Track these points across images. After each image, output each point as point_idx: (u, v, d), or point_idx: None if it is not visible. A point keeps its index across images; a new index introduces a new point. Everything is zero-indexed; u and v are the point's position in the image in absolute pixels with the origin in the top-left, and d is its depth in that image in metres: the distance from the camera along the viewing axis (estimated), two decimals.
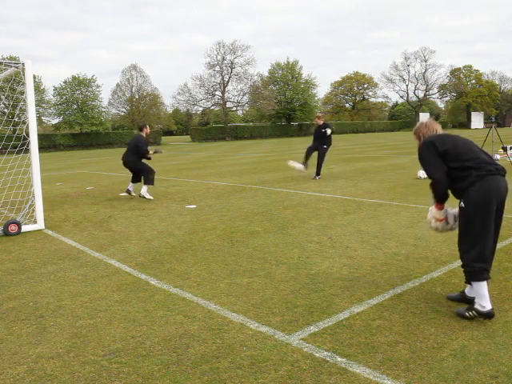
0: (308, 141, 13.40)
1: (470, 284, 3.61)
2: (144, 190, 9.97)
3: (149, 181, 10.08)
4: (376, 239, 6.01)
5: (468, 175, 3.54)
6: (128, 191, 10.46)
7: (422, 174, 12.05)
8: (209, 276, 4.80)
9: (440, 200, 3.82)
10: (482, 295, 3.48)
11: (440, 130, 3.96)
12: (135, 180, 10.44)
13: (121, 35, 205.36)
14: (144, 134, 10.23)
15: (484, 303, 3.47)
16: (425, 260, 5.07)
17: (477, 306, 3.49)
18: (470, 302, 3.63)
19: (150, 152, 10.15)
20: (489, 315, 3.47)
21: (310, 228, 6.79)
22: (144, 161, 10.33)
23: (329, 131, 13.02)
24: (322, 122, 13.25)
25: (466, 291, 3.79)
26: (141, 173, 10.25)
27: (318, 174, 12.99)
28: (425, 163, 3.79)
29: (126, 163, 10.35)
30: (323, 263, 5.08)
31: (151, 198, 10.01)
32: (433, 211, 3.91)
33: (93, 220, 8.12)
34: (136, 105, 60.71)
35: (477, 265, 3.48)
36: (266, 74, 67.43)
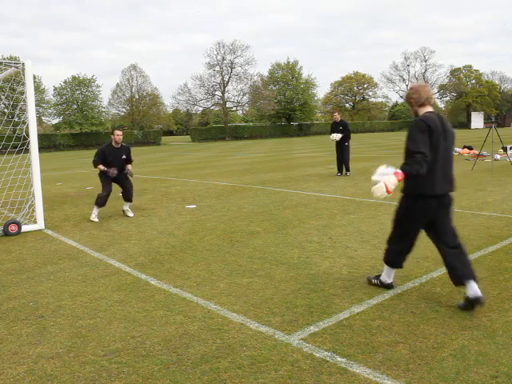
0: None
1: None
2: (127, 207, 8.49)
3: (95, 200, 8.24)
4: (376, 239, 6.01)
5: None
6: (124, 211, 8.82)
7: None
8: (209, 276, 4.80)
9: (409, 174, 3.64)
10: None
11: (430, 94, 3.88)
12: (126, 199, 8.59)
13: (120, 35, 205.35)
14: (113, 142, 8.15)
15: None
16: (425, 260, 5.07)
17: (381, 278, 4.26)
18: (473, 302, 3.63)
19: (102, 167, 8.04)
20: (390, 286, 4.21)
21: (310, 228, 6.79)
22: (105, 175, 8.18)
23: (338, 137, 13.22)
24: (339, 119, 13.56)
25: (468, 295, 3.73)
26: (129, 184, 8.45)
27: (347, 169, 13.46)
28: (415, 139, 3.67)
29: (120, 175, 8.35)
30: (323, 263, 5.08)
31: (94, 220, 8.02)
32: (390, 179, 3.64)
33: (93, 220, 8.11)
34: (136, 105, 60.72)
35: None
36: (266, 73, 67.51)
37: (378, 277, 4.33)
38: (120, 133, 8.19)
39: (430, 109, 3.89)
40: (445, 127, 3.80)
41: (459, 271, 3.78)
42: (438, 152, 3.73)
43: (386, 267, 4.23)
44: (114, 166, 8.09)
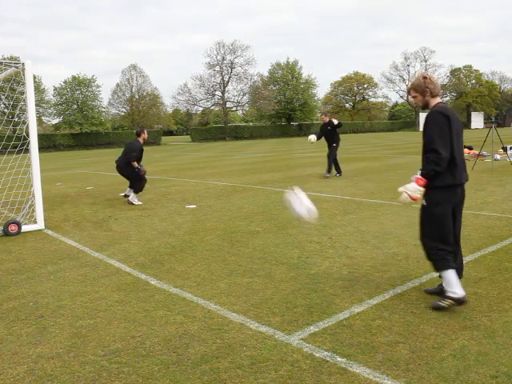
0: (308, 141, 13.37)
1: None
2: (132, 196, 9.62)
3: (136, 188, 9.71)
4: (376, 239, 6.01)
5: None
6: (126, 196, 10.08)
7: None
8: (209, 276, 4.80)
9: (430, 176, 3.62)
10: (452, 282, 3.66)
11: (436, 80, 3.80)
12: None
13: (120, 35, 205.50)
14: (141, 140, 9.71)
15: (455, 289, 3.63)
16: (425, 260, 5.04)
17: (449, 294, 3.64)
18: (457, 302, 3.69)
19: (136, 164, 9.51)
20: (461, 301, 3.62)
21: (310, 228, 6.79)
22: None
23: (335, 121, 13.03)
24: (327, 120, 13.37)
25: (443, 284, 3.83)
26: (130, 178, 9.86)
27: (329, 170, 13.16)
28: (432, 134, 3.57)
29: (118, 167, 9.92)
30: (323, 263, 5.08)
31: (140, 203, 9.60)
32: (411, 187, 3.64)
33: (93, 220, 8.12)
34: (136, 105, 60.71)
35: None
36: (266, 73, 67.51)
37: (445, 295, 3.69)
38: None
39: (440, 100, 3.81)
40: (457, 117, 3.75)
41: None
42: (459, 140, 3.65)
43: (447, 276, 3.67)
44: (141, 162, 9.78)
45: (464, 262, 4.91)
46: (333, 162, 13.14)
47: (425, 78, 3.78)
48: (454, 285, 3.63)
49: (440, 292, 3.87)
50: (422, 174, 3.64)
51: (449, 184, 3.66)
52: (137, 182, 9.73)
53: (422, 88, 3.77)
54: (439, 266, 3.72)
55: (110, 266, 5.32)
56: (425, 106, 3.84)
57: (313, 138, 13.12)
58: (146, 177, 10.05)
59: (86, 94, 53.75)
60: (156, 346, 3.31)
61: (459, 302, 3.63)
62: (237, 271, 4.92)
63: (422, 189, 3.67)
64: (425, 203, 3.77)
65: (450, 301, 3.62)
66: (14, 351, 3.31)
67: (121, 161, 9.84)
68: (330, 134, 13.15)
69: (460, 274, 3.84)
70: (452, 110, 3.71)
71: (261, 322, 3.64)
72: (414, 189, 3.64)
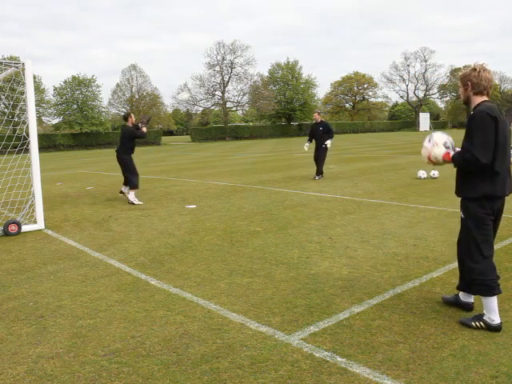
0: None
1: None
2: (131, 195, 9.71)
3: (133, 185, 9.76)
4: (376, 239, 6.01)
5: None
6: (122, 192, 10.28)
7: (422, 174, 12.05)
8: (209, 276, 4.80)
9: (454, 163, 3.36)
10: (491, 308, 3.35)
11: (492, 84, 3.35)
12: (126, 183, 10.11)
13: (120, 35, 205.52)
14: (130, 124, 9.97)
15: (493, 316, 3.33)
16: (425, 260, 5.07)
17: (485, 318, 3.35)
18: (463, 306, 3.66)
19: (143, 128, 10.03)
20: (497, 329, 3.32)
21: (310, 228, 6.79)
22: (133, 159, 10.02)
23: (328, 143, 12.91)
24: (320, 120, 13.17)
25: (459, 295, 3.76)
26: (126, 172, 9.94)
27: (320, 173, 12.95)
28: (473, 138, 3.19)
29: (117, 156, 10.10)
30: (323, 263, 5.08)
31: (140, 203, 9.70)
32: (437, 152, 3.44)
33: (93, 220, 8.12)
34: (136, 105, 60.68)
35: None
36: (266, 73, 67.48)
37: (479, 317, 3.41)
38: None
39: (487, 98, 3.37)
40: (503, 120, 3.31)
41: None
42: (506, 148, 3.25)
43: (487, 301, 3.35)
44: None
45: None
46: (319, 162, 12.91)
47: (474, 69, 3.35)
48: (492, 311, 3.33)
49: (456, 303, 3.71)
50: (453, 156, 3.35)
51: (490, 195, 3.29)
52: (131, 175, 9.77)
53: (464, 80, 3.39)
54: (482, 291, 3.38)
55: (110, 265, 5.32)
56: (465, 102, 3.44)
57: (306, 147, 13.27)
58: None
59: (85, 94, 53.72)
60: (156, 345, 3.31)
61: (495, 329, 3.32)
62: (237, 271, 4.92)
63: (442, 162, 3.44)
64: (462, 216, 3.47)
65: (482, 324, 3.36)
66: (13, 351, 3.31)
67: (119, 149, 10.07)
68: (320, 134, 12.92)
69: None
70: (499, 112, 3.27)
71: (261, 321, 3.64)
72: (438, 155, 3.43)
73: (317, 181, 12.44)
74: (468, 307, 3.70)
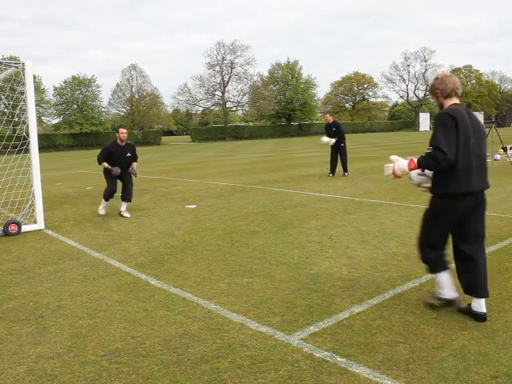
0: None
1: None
2: (101, 206, 8.56)
3: (103, 194, 8.53)
4: (376, 239, 6.01)
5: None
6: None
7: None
8: (209, 276, 4.80)
9: (422, 166, 3.51)
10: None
11: (459, 86, 3.60)
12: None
13: (120, 34, 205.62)
14: (118, 140, 8.28)
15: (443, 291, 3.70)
16: None
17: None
18: (475, 317, 3.53)
19: (105, 165, 8.19)
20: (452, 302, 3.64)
21: (310, 228, 6.79)
22: (109, 172, 8.33)
23: (332, 142, 13.13)
24: (332, 120, 13.47)
25: (471, 305, 3.62)
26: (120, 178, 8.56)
27: (345, 170, 13.33)
28: (437, 134, 3.41)
29: None
30: (323, 263, 5.08)
31: (102, 213, 8.43)
32: (400, 164, 3.58)
33: (93, 220, 8.12)
34: (136, 105, 60.68)
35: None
36: (266, 73, 67.48)
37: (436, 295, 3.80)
38: (125, 131, 8.33)
39: (456, 101, 3.62)
40: (472, 120, 3.53)
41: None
42: (469, 146, 3.44)
43: (436, 278, 3.78)
44: (119, 165, 8.22)
45: None
46: (342, 162, 13.29)
47: (436, 78, 3.68)
48: (442, 287, 3.70)
49: (468, 312, 3.61)
50: (418, 160, 3.51)
51: (451, 192, 3.49)
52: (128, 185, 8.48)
53: (432, 89, 3.70)
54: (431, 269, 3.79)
55: (110, 265, 5.32)
56: (441, 108, 3.66)
57: (332, 140, 13.19)
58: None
59: (85, 93, 53.74)
60: (156, 346, 3.31)
61: (449, 303, 3.67)
62: (237, 271, 4.92)
63: (408, 171, 3.60)
64: (428, 207, 3.71)
65: (439, 301, 3.72)
66: (13, 351, 3.31)
67: None
68: (335, 134, 13.21)
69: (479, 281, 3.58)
70: (462, 113, 3.48)
71: (261, 321, 3.64)
72: (402, 167, 3.57)
73: (317, 181, 12.44)
74: (480, 318, 3.53)
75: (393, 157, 3.70)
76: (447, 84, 3.59)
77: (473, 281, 3.58)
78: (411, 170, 3.57)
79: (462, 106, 3.59)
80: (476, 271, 3.57)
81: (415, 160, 3.53)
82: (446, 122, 3.42)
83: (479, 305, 3.53)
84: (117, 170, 8.18)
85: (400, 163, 3.58)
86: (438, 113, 3.57)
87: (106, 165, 8.19)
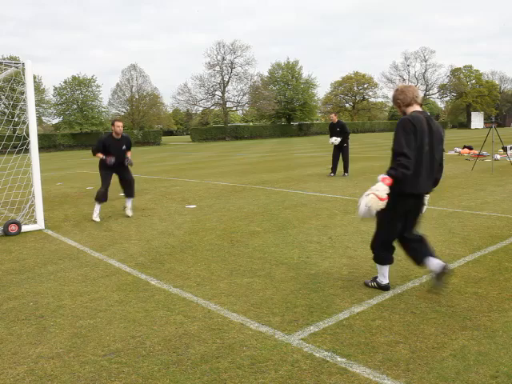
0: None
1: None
2: (95, 211, 8.22)
3: (95, 197, 8.28)
4: None
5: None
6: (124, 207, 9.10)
7: None
8: (209, 276, 4.80)
9: (396, 177, 3.70)
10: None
11: (417, 94, 3.91)
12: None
13: (120, 34, 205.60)
14: (113, 133, 8.07)
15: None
16: None
17: (378, 280, 4.22)
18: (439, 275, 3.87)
19: (100, 155, 8.03)
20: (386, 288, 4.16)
21: (310, 228, 6.79)
22: (105, 168, 8.20)
23: (337, 141, 13.24)
24: (336, 120, 13.55)
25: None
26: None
27: (346, 170, 13.39)
28: (399, 139, 3.73)
29: None
30: (323, 263, 5.08)
31: (97, 220, 8.06)
32: (378, 187, 3.72)
33: (93, 220, 8.11)
34: (136, 105, 60.72)
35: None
36: (266, 73, 67.50)
37: (374, 279, 4.32)
38: (120, 124, 8.13)
39: (417, 108, 3.92)
40: (431, 127, 3.83)
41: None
42: (422, 151, 3.76)
43: (379, 268, 4.24)
44: (115, 159, 8.06)
45: (464, 261, 4.94)
46: (344, 162, 13.36)
47: (396, 89, 4.00)
48: (382, 275, 4.20)
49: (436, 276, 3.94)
50: (388, 174, 3.71)
51: (402, 191, 3.81)
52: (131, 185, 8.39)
53: (394, 100, 4.00)
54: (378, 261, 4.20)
55: (110, 265, 5.32)
56: (404, 115, 3.93)
57: (336, 140, 13.28)
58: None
59: (85, 93, 53.81)
60: (156, 346, 3.31)
61: (384, 288, 4.18)
62: (237, 271, 4.92)
63: (388, 188, 3.72)
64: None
65: (375, 284, 4.24)
66: (13, 351, 3.31)
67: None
68: (339, 134, 13.29)
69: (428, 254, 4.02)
70: (422, 120, 3.76)
71: (261, 321, 3.64)
72: (382, 188, 3.69)
73: (317, 181, 12.44)
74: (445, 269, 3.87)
75: (367, 192, 3.80)
76: (406, 94, 3.89)
77: (420, 251, 4.05)
78: (389, 185, 3.73)
79: (423, 113, 3.88)
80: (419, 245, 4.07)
81: (386, 175, 3.73)
82: (406, 126, 3.72)
83: (438, 264, 3.89)
84: (111, 159, 7.99)
85: (377, 187, 3.73)
86: (401, 118, 3.84)
87: (100, 155, 8.05)
